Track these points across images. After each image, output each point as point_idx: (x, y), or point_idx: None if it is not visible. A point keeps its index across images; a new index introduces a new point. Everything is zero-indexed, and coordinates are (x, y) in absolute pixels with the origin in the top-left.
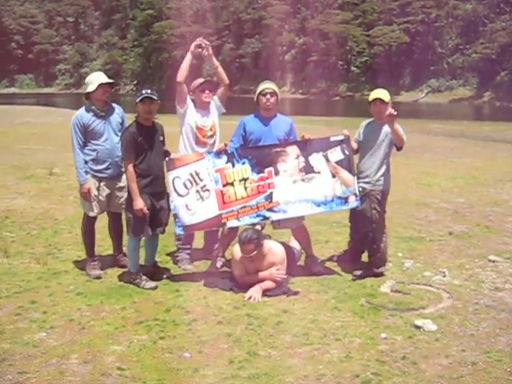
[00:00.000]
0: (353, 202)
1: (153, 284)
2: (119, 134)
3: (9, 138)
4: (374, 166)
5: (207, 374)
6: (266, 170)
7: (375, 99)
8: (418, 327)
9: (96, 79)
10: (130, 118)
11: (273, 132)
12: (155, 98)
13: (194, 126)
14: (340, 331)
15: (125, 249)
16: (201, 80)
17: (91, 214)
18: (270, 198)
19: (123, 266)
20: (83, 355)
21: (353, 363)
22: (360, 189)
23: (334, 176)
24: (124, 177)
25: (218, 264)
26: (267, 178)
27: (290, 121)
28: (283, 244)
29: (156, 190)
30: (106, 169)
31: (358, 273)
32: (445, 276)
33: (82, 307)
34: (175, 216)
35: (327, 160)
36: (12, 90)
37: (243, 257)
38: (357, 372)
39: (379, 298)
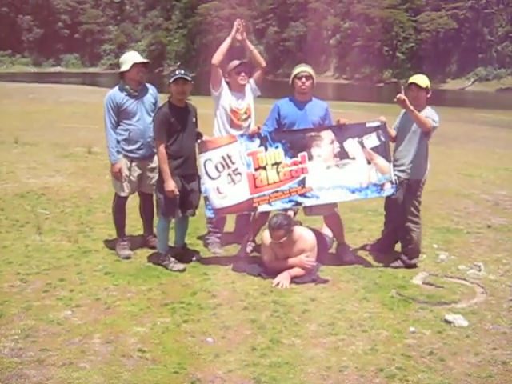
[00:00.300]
0: (388, 190)
1: (181, 266)
2: (152, 114)
3: (52, 116)
4: (410, 154)
5: (228, 360)
6: (300, 154)
7: (411, 84)
8: (448, 322)
9: (130, 59)
10: (164, 99)
11: (307, 116)
12: (188, 78)
13: (229, 108)
14: (367, 322)
15: (155, 230)
16: (237, 62)
17: (122, 194)
18: (302, 183)
19: (153, 247)
20: (106, 335)
21: (378, 356)
22: (395, 177)
23: (369, 162)
24: (156, 158)
25: (248, 249)
26: (300, 163)
27: (325, 105)
28: (315, 231)
29: (187, 171)
30: (138, 149)
31: (391, 263)
32: (480, 270)
33: (109, 287)
34: (206, 199)
35: (362, 146)
36: (58, 68)
37: (273, 242)
38: (381, 366)
39: (410, 289)
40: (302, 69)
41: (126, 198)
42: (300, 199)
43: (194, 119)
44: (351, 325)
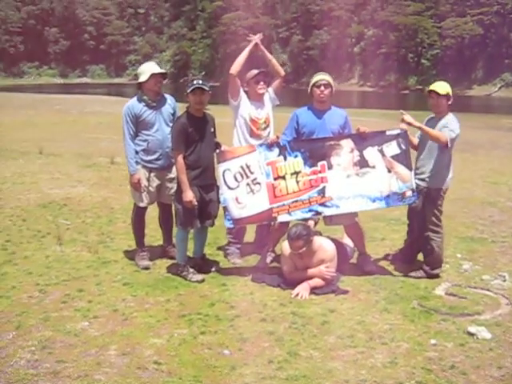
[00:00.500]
0: (410, 198)
1: (199, 277)
2: (170, 124)
3: (77, 127)
4: (430, 162)
5: (245, 373)
6: (319, 163)
7: (430, 91)
8: (471, 334)
9: (148, 69)
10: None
11: (326, 125)
12: (206, 88)
13: (248, 118)
14: (387, 335)
15: (174, 240)
16: (255, 71)
17: (141, 205)
18: (322, 192)
19: (172, 258)
20: (122, 347)
21: (397, 370)
22: (416, 185)
23: (389, 171)
24: (174, 168)
25: (268, 259)
26: (320, 172)
27: (344, 113)
28: (335, 241)
29: (206, 182)
30: (157, 159)
31: (413, 273)
32: (505, 280)
33: (128, 298)
34: (225, 209)
35: (383, 154)
36: (84, 79)
37: (292, 253)
38: (401, 379)
39: (432, 300)
40: (321, 77)
41: (145, 208)
42: (320, 209)
43: (212, 129)
44: (371, 337)
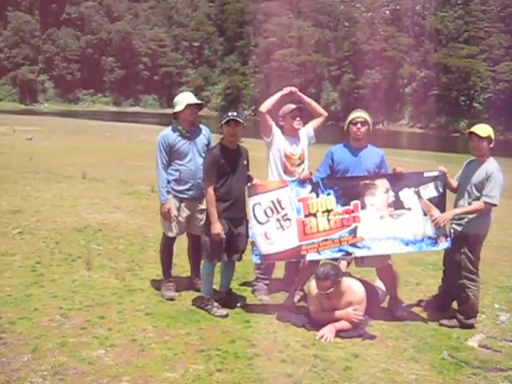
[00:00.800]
0: (443, 243)
1: (223, 312)
2: (204, 155)
3: (123, 154)
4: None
5: None
6: (352, 202)
7: (471, 133)
8: None
9: (184, 99)
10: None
11: (362, 163)
12: (240, 120)
13: (283, 154)
14: None
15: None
16: (292, 106)
17: (170, 235)
18: (354, 232)
19: (198, 290)
20: (135, 378)
21: None
22: (452, 230)
23: (425, 214)
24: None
25: (296, 298)
26: (352, 212)
27: (381, 152)
28: (366, 283)
29: (235, 215)
30: (188, 190)
31: (446, 322)
32: None
33: (148, 328)
34: (253, 244)
35: (419, 196)
36: (136, 108)
37: (319, 293)
38: None
39: (464, 352)
40: (358, 114)
41: (173, 238)
42: (350, 249)
43: (245, 162)
44: None
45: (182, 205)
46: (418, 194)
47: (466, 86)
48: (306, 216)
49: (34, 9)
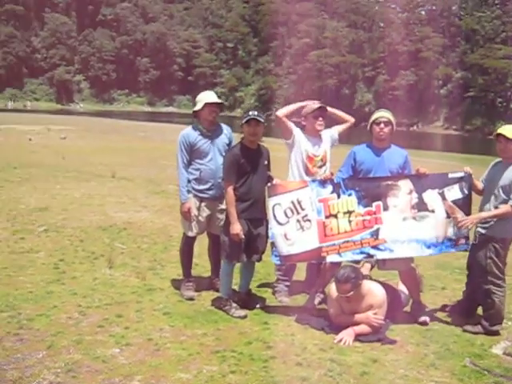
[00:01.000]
0: (462, 245)
1: (242, 313)
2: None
3: (155, 154)
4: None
5: None
6: (374, 203)
7: (498, 135)
8: None
9: (203, 98)
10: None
11: (385, 164)
12: (261, 120)
13: (305, 155)
14: None
15: None
16: (314, 106)
17: (189, 234)
18: (376, 234)
19: (218, 290)
20: (147, 378)
21: None
22: (477, 233)
23: (448, 216)
24: None
25: (316, 300)
26: (375, 213)
27: (405, 153)
28: (388, 286)
29: (254, 215)
30: (209, 189)
31: (470, 328)
32: None
33: (165, 327)
34: (272, 245)
35: (443, 198)
36: (170, 109)
37: (339, 296)
38: None
39: (487, 359)
40: (381, 114)
41: (193, 238)
42: (372, 251)
43: (265, 162)
44: None
45: (203, 204)
46: (442, 195)
47: (502, 88)
48: (327, 217)
49: (71, 10)
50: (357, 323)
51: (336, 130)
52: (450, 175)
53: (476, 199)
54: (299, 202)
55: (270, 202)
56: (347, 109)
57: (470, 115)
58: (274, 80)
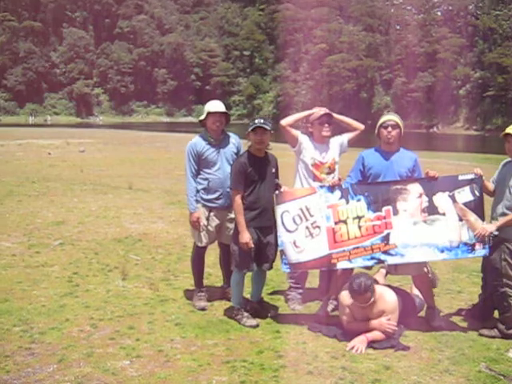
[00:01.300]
0: (480, 251)
1: (254, 322)
2: None
3: (171, 164)
4: (509, 211)
5: None
6: (384, 208)
7: (506, 135)
8: None
9: (207, 108)
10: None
11: (394, 167)
12: (268, 127)
13: (312, 162)
14: None
15: None
16: (321, 112)
17: (199, 244)
18: (386, 239)
19: (230, 300)
20: None
21: None
22: (491, 236)
23: (461, 219)
24: None
25: (329, 307)
26: (384, 218)
27: (414, 156)
28: (401, 291)
29: (263, 223)
30: (217, 199)
31: (486, 332)
32: None
33: (176, 338)
34: (282, 252)
35: (454, 201)
36: (189, 119)
37: (352, 303)
38: None
39: (503, 364)
40: (389, 117)
41: (204, 248)
42: (383, 257)
43: (273, 169)
44: None
45: (212, 214)
46: (452, 198)
47: None
48: (336, 223)
49: (88, 24)
50: (370, 330)
51: (346, 137)
52: (460, 177)
53: (488, 201)
54: (308, 209)
55: (278, 210)
56: (366, 113)
57: (491, 115)
58: (291, 86)
